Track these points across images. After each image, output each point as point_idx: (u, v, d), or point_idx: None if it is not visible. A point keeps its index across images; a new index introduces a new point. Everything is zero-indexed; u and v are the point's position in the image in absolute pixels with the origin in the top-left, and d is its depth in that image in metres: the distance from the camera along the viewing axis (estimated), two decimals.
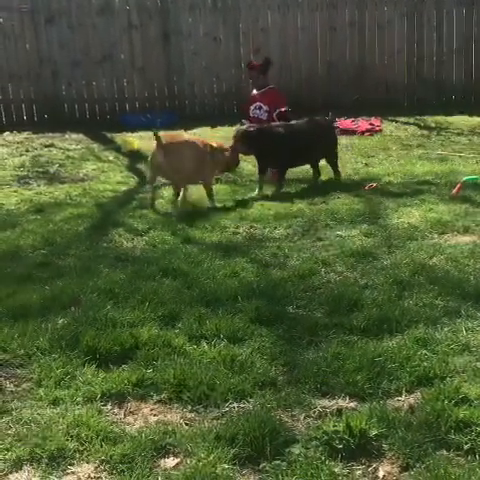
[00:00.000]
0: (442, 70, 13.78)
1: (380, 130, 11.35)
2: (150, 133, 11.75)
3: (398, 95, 13.74)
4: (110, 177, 8.84)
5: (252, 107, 8.82)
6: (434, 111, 12.59)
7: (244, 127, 7.78)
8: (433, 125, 11.77)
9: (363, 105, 12.82)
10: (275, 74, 13.38)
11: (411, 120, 12.15)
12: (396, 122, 12.05)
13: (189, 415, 3.37)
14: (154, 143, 7.02)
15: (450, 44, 13.65)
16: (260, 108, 8.74)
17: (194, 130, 11.65)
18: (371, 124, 11.66)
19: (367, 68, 13.67)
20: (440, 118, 12.20)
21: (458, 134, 10.82)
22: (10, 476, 2.96)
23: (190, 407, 3.43)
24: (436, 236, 5.85)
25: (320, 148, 7.97)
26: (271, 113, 8.53)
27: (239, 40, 13.30)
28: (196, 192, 7.26)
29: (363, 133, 11.13)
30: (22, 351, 3.99)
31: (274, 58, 13.41)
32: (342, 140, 10.43)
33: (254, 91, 8.95)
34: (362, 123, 11.74)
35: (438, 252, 5.39)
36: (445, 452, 2.99)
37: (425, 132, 11.16)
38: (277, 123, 8.08)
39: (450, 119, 12.11)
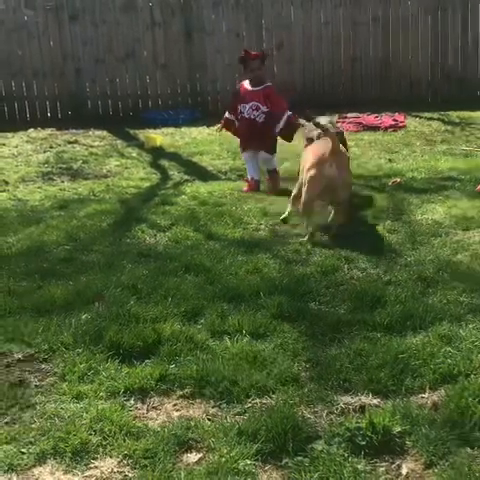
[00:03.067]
0: (467, 65, 13.63)
1: (404, 126, 11.27)
2: (172, 130, 11.83)
3: (422, 91, 13.63)
4: (133, 173, 8.88)
5: (247, 106, 7.56)
6: (458, 106, 12.45)
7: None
8: (457, 121, 11.66)
9: (387, 101, 12.78)
10: (298, 70, 13.44)
11: (435, 116, 12.04)
12: (420, 118, 11.95)
13: (211, 410, 3.37)
14: (324, 149, 5.74)
15: (475, 39, 13.49)
16: (257, 108, 7.53)
17: (216, 127, 11.66)
18: (395, 120, 11.59)
19: (390, 64, 13.57)
20: (464, 114, 12.07)
21: None
22: (34, 470, 2.98)
23: (212, 402, 3.43)
24: (460, 232, 5.80)
25: None
26: (269, 116, 7.50)
27: (262, 36, 13.26)
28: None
29: (387, 129, 11.06)
30: (46, 346, 4.02)
31: (297, 54, 13.50)
32: (365, 136, 10.41)
33: (247, 86, 7.66)
34: (386, 119, 11.68)
35: (462, 248, 5.34)
36: (469, 450, 2.96)
37: (449, 128, 11.06)
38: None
39: (475, 115, 11.98)
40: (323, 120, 6.74)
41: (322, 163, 5.63)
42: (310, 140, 6.52)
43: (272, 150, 7.77)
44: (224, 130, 8.06)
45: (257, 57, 7.60)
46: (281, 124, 7.50)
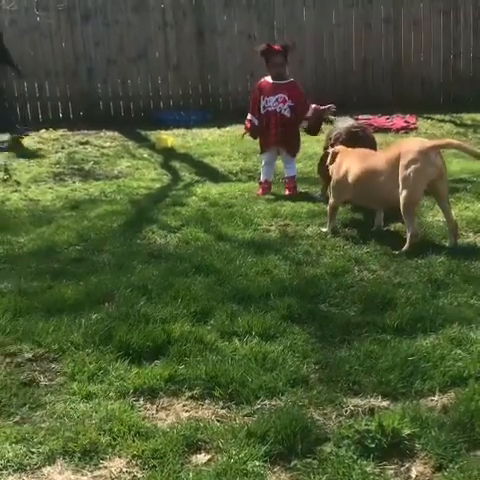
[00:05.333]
0: (478, 67, 13.59)
1: (415, 128, 11.24)
2: (183, 131, 11.85)
3: (434, 92, 13.59)
4: (144, 174, 8.90)
5: (272, 98, 7.37)
6: (470, 108, 12.42)
7: (348, 126, 6.68)
8: (469, 123, 11.61)
9: (398, 102, 12.74)
10: (310, 71, 13.41)
11: (447, 118, 12.00)
12: (432, 119, 11.91)
13: (221, 411, 3.37)
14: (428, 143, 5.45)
15: None
16: (284, 101, 7.35)
17: (227, 128, 11.70)
18: (406, 122, 11.56)
19: (402, 65, 13.54)
20: (477, 116, 12.03)
21: None
22: (43, 469, 2.99)
23: (222, 403, 3.43)
24: (471, 235, 5.78)
25: None
26: (294, 110, 7.38)
27: (274, 37, 13.23)
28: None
29: (398, 131, 11.03)
30: (56, 346, 4.03)
31: (309, 55, 13.48)
32: (376, 138, 10.33)
33: (268, 79, 7.49)
34: (397, 121, 11.65)
35: (474, 251, 5.32)
36: (479, 453, 2.95)
37: (461, 130, 11.02)
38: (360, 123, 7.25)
39: None
40: (348, 123, 6.75)
41: (431, 159, 5.28)
42: (337, 139, 6.45)
43: (296, 151, 7.70)
44: (247, 135, 7.80)
45: (280, 51, 7.39)
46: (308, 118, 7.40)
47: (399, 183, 5.35)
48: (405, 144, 5.60)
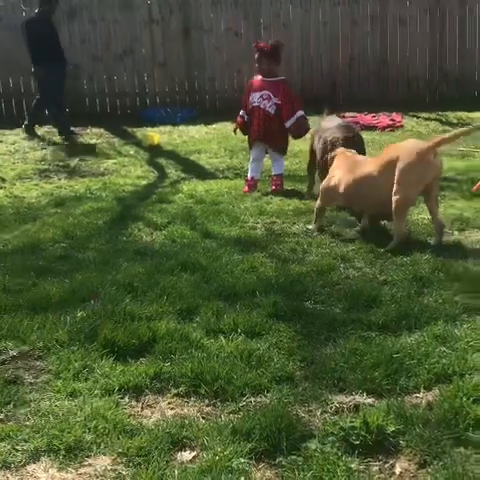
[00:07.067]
0: (464, 66, 13.67)
1: (401, 126, 11.28)
2: (170, 128, 11.81)
3: (420, 90, 13.67)
4: (130, 171, 8.88)
5: (257, 94, 7.42)
6: (456, 107, 12.49)
7: (342, 129, 6.56)
8: (455, 121, 11.68)
9: (385, 100, 12.79)
10: (296, 69, 13.43)
11: (433, 116, 12.06)
12: (417, 118, 11.97)
13: (206, 409, 3.37)
14: (426, 143, 5.45)
15: (473, 40, 13.53)
16: (269, 98, 7.36)
17: (214, 125, 11.69)
18: (392, 120, 11.60)
19: (388, 63, 13.60)
20: (462, 114, 12.11)
21: None
22: (28, 467, 2.97)
23: (207, 401, 3.43)
24: (456, 233, 5.81)
25: None
26: (281, 109, 7.35)
27: (260, 35, 13.24)
28: None
29: (384, 129, 11.07)
30: (41, 343, 4.02)
31: (295, 53, 13.50)
32: (362, 136, 10.38)
33: (258, 77, 7.55)
34: (383, 118, 11.69)
35: (458, 249, 5.34)
36: (463, 449, 2.96)
37: (447, 128, 11.05)
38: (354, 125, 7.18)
39: (472, 115, 12.02)
40: (335, 122, 6.75)
41: (427, 159, 5.26)
42: (334, 144, 6.36)
43: (283, 150, 7.69)
44: (238, 130, 7.84)
45: (268, 49, 7.39)
46: (292, 121, 7.38)
47: (395, 184, 5.30)
48: (403, 147, 5.49)
